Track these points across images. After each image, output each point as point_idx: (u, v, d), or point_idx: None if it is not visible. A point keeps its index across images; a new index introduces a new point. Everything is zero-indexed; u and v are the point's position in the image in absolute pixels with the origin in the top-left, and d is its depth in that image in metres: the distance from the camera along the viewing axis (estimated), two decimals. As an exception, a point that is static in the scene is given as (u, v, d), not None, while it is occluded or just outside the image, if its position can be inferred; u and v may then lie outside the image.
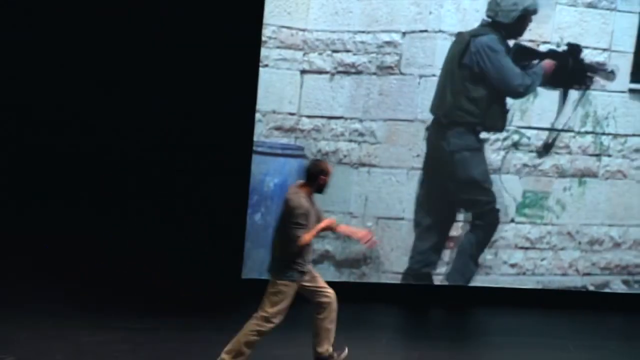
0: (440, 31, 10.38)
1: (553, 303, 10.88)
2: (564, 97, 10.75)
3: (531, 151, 10.75)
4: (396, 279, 10.65)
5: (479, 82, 10.58)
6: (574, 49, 10.70)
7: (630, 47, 10.71)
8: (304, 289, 7.95)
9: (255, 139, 10.20)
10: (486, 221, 10.81)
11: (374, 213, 10.51)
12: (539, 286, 10.96)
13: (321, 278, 8.10)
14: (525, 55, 10.65)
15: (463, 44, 10.50)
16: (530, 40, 10.59)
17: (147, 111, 10.57)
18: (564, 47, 10.67)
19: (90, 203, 10.82)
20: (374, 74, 10.34)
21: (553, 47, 10.64)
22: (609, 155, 10.89)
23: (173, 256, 8.39)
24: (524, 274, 10.93)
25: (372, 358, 8.71)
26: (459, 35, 10.51)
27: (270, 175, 10.26)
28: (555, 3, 10.60)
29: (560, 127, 10.77)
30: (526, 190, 10.79)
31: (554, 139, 10.75)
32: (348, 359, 8.10)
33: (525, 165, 10.76)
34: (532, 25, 10.58)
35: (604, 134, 10.85)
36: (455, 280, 10.78)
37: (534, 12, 10.57)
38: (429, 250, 10.68)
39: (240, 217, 10.25)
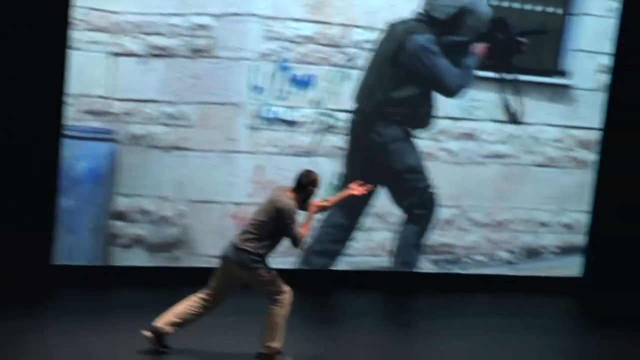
0: (252, 14, 10.37)
1: (362, 284, 11.09)
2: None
3: (338, 133, 10.89)
4: (211, 263, 10.61)
5: (411, 81, 10.82)
6: (500, 24, 10.92)
7: (438, 33, 11.03)
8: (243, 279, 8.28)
9: (65, 122, 9.97)
10: (427, 207, 11.06)
11: (188, 196, 10.47)
12: (349, 267, 11.15)
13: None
14: (457, 48, 10.82)
15: (397, 41, 10.63)
16: (342, 24, 10.71)
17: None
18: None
19: None
20: (187, 57, 10.26)
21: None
22: (420, 138, 11.15)
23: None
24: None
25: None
26: (392, 28, 10.64)
27: (81, 159, 10.08)
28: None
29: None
30: (338, 173, 10.93)
31: None
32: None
33: (335, 147, 10.90)
34: (342, 9, 10.68)
35: (413, 117, 11.14)
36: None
37: (471, 11, 10.74)
38: (338, 227, 10.87)
39: (49, 203, 10.02)
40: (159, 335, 8.28)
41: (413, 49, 10.76)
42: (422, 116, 11.03)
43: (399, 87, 10.84)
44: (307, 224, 8.24)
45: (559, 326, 10.65)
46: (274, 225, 8.11)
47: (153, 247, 10.46)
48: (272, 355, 8.30)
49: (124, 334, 8.65)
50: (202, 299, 8.32)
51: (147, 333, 8.27)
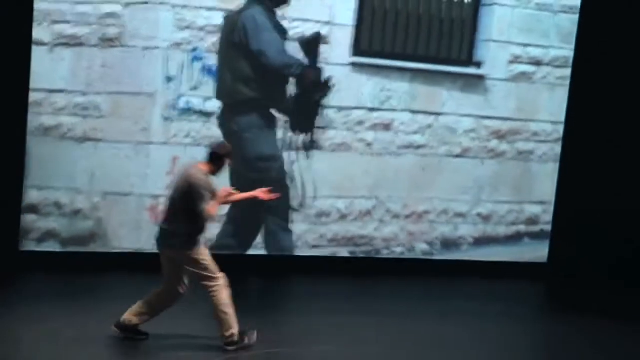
0: (162, 3, 10.28)
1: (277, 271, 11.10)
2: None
3: (259, 125, 10.84)
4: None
5: (252, 59, 10.61)
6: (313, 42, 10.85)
7: (350, 21, 10.99)
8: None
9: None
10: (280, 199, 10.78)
11: (101, 188, 10.30)
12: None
13: None
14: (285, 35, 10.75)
15: (233, 22, 10.51)
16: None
17: None
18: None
19: None
20: (96, 46, 10.10)
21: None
22: (334, 128, 11.13)
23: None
24: (254, 247, 11.00)
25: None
26: (231, 14, 10.50)
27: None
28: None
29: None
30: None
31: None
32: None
33: (252, 139, 10.84)
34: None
35: (328, 106, 11.07)
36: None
37: None
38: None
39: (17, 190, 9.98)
40: (128, 328, 8.16)
41: (242, 23, 10.58)
42: (275, 94, 10.82)
43: (242, 67, 10.63)
44: (217, 204, 8.07)
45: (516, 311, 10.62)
46: (188, 201, 7.96)
47: (66, 241, 10.25)
48: (236, 341, 8.16)
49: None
50: (163, 289, 8.21)
51: (116, 329, 8.20)
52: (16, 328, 8.37)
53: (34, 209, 10.11)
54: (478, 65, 11.63)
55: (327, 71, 10.98)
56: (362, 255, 11.45)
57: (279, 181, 10.82)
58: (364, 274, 11.25)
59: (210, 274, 8.03)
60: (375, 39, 11.17)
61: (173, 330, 8.45)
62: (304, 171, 10.99)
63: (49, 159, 9.99)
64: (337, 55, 11.00)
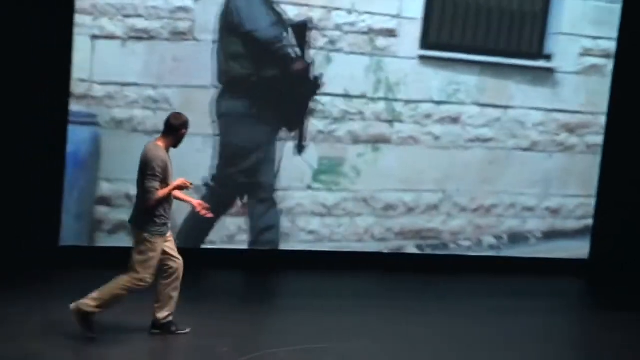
0: (231, -3, 10.35)
1: (350, 266, 11.05)
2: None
3: (325, 117, 10.83)
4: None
5: (245, 37, 10.46)
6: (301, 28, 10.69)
7: (419, 14, 10.96)
8: (163, 248, 8.00)
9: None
10: (264, 197, 10.81)
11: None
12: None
13: (174, 243, 8.15)
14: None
15: (227, 3, 10.38)
16: (324, 7, 10.65)
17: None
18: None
19: None
20: (167, 39, 10.18)
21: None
22: (401, 122, 11.11)
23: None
24: (320, 240, 11.02)
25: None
26: None
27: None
28: (346, -31, 10.71)
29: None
30: (322, 157, 10.89)
31: None
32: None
33: (320, 132, 10.84)
34: (324, -9, 10.63)
35: (396, 100, 11.05)
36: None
37: None
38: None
39: (56, 184, 10.01)
40: (161, 325, 8.19)
41: (234, 4, 10.37)
42: (267, 74, 10.60)
43: (236, 47, 10.45)
44: (167, 191, 7.81)
45: (562, 307, 10.57)
46: (143, 178, 7.81)
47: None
48: (164, 324, 8.15)
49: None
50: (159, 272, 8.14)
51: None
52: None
53: (105, 201, 10.23)
54: (548, 58, 11.53)
55: (395, 64, 10.95)
56: (427, 251, 11.42)
57: (241, 173, 10.65)
58: (421, 270, 11.25)
59: (140, 270, 7.83)
60: (444, 32, 11.12)
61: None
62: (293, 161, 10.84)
63: (120, 151, 10.07)
64: (405, 48, 10.97)
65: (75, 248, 10.15)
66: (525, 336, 9.18)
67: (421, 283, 11.01)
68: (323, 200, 10.97)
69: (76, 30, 9.87)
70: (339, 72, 10.80)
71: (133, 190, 9.85)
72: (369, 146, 11.05)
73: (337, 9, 10.72)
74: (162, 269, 8.04)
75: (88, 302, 7.78)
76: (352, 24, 10.78)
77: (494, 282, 11.28)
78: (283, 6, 10.53)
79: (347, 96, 10.88)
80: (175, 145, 7.97)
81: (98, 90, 10.02)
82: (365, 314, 9.48)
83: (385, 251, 11.28)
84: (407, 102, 11.11)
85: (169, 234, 8.06)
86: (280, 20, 10.52)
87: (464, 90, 11.26)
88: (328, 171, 10.95)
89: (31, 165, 9.89)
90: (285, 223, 10.86)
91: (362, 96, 10.94)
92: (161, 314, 8.14)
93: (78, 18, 9.86)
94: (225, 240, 10.69)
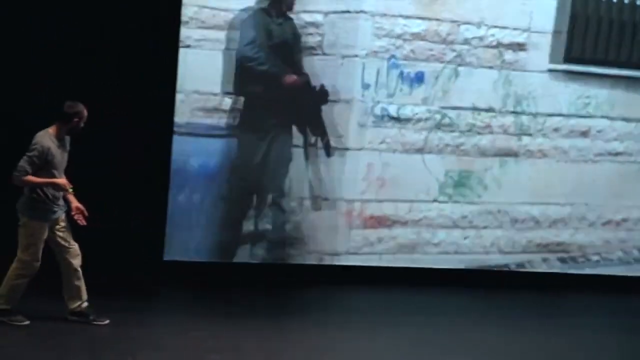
0: (361, 11, 10.39)
1: (475, 282, 10.98)
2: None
3: (453, 131, 10.81)
4: (321, 260, 10.67)
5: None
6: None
7: (549, 28, 10.84)
8: (53, 236, 8.03)
9: (178, 120, 10.08)
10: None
11: (299, 194, 10.60)
12: (462, 265, 11.04)
13: (70, 232, 8.13)
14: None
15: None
16: (453, 21, 10.63)
17: (66, 93, 10.34)
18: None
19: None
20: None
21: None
22: (529, 135, 11.02)
23: (94, 238, 8.24)
24: (446, 253, 11.01)
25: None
26: None
27: (194, 156, 10.17)
28: (474, -17, 10.66)
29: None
30: (448, 170, 10.87)
31: None
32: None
33: (447, 145, 10.83)
34: (452, 5, 10.60)
35: (524, 113, 10.96)
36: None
37: None
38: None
39: (162, 198, 10.16)
40: (79, 314, 8.26)
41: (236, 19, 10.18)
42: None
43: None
44: (41, 181, 7.75)
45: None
46: None
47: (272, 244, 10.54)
48: (80, 312, 8.21)
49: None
50: (59, 261, 8.18)
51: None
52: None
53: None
54: (680, 69, 11.28)
55: (524, 78, 10.86)
56: (555, 265, 11.29)
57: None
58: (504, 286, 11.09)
59: (22, 254, 7.90)
60: (575, 46, 10.97)
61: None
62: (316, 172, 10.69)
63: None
64: (534, 62, 10.87)
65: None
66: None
67: (538, 300, 10.99)
68: (449, 213, 10.94)
69: (209, 45, 10.06)
70: (466, 86, 10.77)
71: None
72: (496, 159, 10.97)
73: (467, 22, 10.66)
74: (59, 261, 8.11)
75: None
76: (480, 38, 10.72)
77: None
78: (410, 20, 10.51)
79: (475, 109, 10.82)
80: (67, 133, 7.91)
81: (229, 103, 10.19)
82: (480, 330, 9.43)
83: (512, 266, 11.18)
84: (536, 115, 11.00)
85: (62, 224, 8.05)
86: (268, 39, 10.32)
87: (594, 103, 11.09)
88: (455, 184, 10.92)
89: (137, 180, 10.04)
90: (410, 235, 10.86)
91: (490, 109, 10.87)
92: (73, 304, 8.19)
93: (207, 33, 10.06)
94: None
